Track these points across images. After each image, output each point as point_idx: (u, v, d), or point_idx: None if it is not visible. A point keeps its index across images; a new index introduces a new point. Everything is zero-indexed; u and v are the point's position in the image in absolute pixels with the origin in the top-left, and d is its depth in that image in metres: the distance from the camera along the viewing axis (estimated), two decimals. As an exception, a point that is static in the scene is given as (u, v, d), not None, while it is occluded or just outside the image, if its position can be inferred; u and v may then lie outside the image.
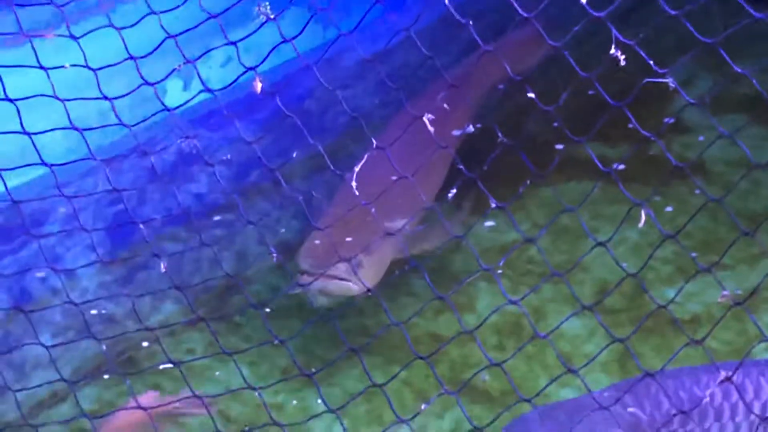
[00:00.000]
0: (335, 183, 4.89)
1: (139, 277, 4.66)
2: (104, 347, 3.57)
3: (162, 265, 3.38)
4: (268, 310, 4.25)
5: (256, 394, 3.04)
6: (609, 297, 3.06)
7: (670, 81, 2.66)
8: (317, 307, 4.30)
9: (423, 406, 3.14)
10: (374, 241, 4.15)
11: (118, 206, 4.86)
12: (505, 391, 4.18)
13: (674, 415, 3.42)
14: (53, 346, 3.54)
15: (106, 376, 4.40)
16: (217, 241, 4.87)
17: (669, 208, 4.57)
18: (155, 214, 4.65)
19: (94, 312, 4.19)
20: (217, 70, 5.21)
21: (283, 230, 4.89)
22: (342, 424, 3.03)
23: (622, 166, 4.22)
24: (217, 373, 4.44)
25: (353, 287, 4.29)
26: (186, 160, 4.83)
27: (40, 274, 4.51)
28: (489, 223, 4.87)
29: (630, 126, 3.26)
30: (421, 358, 2.93)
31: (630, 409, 3.56)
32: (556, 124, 4.78)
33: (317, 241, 4.36)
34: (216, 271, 4.66)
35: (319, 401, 4.27)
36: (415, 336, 4.31)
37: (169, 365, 4.04)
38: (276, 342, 3.16)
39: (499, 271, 3.02)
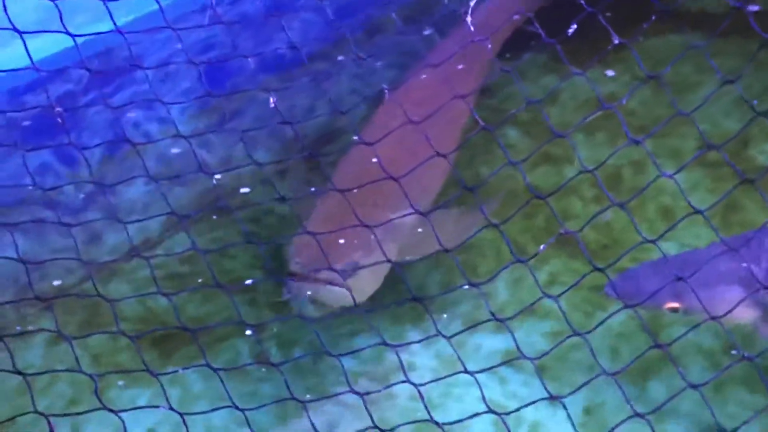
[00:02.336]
0: (431, 37, 4.83)
1: (231, 125, 4.63)
2: (214, 182, 3.57)
3: (271, 100, 3.35)
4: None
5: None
6: (712, 152, 2.95)
7: None
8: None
9: (541, 247, 3.10)
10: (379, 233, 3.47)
11: (210, 53, 4.82)
12: (605, 245, 4.11)
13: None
14: (162, 179, 3.55)
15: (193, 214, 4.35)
16: (310, 89, 4.82)
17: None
18: (249, 62, 4.60)
19: (175, 151, 4.13)
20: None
21: (377, 80, 4.84)
22: (458, 263, 3.00)
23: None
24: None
25: (349, 296, 3.73)
26: (279, 7, 4.77)
27: (131, 114, 4.50)
28: (610, 73, 4.77)
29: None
30: (540, 197, 2.86)
31: (744, 264, 3.45)
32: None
33: (310, 234, 3.64)
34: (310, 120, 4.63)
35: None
36: (512, 188, 4.23)
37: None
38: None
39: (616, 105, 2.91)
